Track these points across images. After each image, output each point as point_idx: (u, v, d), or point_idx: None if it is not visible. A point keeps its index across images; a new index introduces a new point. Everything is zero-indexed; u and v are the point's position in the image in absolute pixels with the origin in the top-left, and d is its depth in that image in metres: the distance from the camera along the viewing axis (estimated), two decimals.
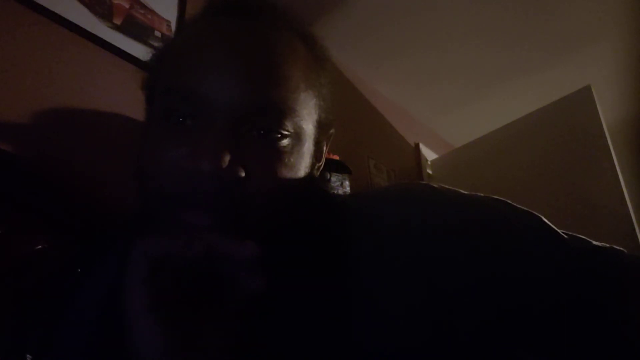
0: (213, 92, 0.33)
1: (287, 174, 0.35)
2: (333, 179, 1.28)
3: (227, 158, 0.31)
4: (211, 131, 0.32)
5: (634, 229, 1.25)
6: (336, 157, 1.32)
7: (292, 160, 0.36)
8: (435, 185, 0.38)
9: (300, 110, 0.36)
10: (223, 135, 0.32)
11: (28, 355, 0.41)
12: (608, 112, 1.57)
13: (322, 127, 0.42)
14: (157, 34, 1.07)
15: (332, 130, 0.46)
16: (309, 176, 0.39)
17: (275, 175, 0.34)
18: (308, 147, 0.39)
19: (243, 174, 0.32)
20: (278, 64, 0.36)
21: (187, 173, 0.31)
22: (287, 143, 0.35)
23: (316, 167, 0.43)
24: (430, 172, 2.06)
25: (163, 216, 0.34)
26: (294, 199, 0.36)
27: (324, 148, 0.45)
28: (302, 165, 0.37)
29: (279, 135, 0.35)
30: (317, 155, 0.42)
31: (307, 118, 0.38)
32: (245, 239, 0.29)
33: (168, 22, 1.10)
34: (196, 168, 0.30)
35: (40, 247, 0.60)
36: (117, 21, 0.99)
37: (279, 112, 0.35)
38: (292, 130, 0.35)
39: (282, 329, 0.31)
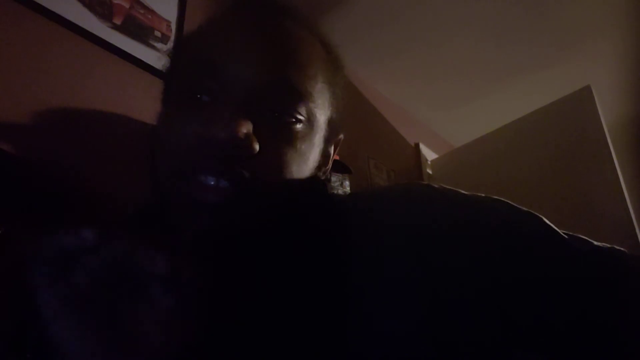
0: (232, 68, 0.34)
1: (297, 159, 0.35)
2: (333, 179, 1.28)
3: (244, 128, 0.31)
4: (228, 104, 0.33)
5: (634, 229, 1.25)
6: (336, 157, 1.31)
7: (303, 147, 0.36)
8: (436, 186, 0.38)
9: (316, 98, 0.37)
10: (240, 108, 0.32)
11: (28, 355, 0.41)
12: (608, 112, 1.57)
13: (332, 127, 0.42)
14: (157, 34, 1.07)
15: (340, 136, 0.46)
16: (314, 173, 0.39)
17: (285, 158, 0.34)
18: (319, 139, 0.39)
19: (258, 148, 0.32)
20: (298, 52, 0.37)
21: (202, 142, 0.31)
22: (300, 128, 0.36)
23: (323, 170, 0.43)
24: (430, 172, 2.06)
25: (174, 190, 0.34)
26: (298, 188, 0.36)
27: (332, 151, 0.45)
28: (311, 155, 0.38)
29: (293, 120, 0.35)
30: (324, 155, 0.42)
31: (321, 109, 0.38)
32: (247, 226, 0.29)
33: (168, 22, 1.10)
34: (213, 136, 0.31)
35: None
36: (117, 21, 0.99)
37: (294, 93, 0.35)
38: (305, 116, 0.36)
39: (268, 330, 0.29)
